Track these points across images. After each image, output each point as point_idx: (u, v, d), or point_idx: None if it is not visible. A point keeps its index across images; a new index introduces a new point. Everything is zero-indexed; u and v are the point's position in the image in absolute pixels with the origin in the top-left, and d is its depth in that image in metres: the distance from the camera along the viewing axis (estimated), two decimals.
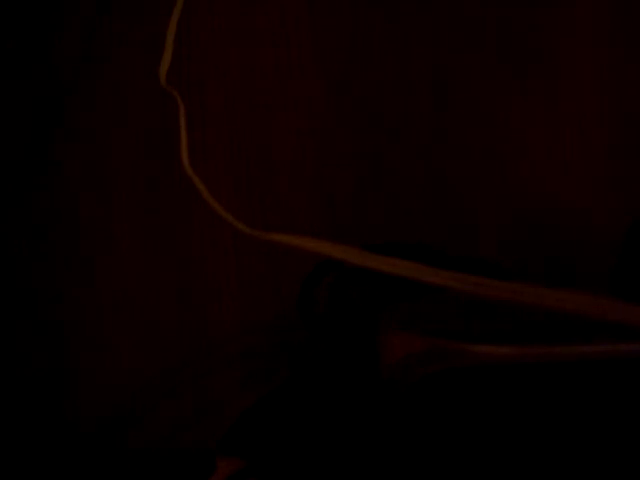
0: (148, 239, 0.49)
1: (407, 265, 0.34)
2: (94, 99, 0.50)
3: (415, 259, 0.35)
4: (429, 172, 0.49)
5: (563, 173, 0.49)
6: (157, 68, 0.46)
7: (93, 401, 0.48)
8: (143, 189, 0.49)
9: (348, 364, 0.40)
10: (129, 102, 0.50)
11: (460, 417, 0.35)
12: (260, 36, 0.50)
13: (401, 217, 0.49)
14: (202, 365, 0.48)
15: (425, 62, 0.50)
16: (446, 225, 0.49)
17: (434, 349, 0.35)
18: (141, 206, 0.49)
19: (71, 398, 0.48)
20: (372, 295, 0.41)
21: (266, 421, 0.40)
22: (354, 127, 0.50)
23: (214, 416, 0.48)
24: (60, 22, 0.50)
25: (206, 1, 0.50)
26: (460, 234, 0.49)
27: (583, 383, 0.34)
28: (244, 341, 0.49)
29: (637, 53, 0.50)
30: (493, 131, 0.50)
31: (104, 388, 0.48)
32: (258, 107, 0.50)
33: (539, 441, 0.34)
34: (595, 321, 0.32)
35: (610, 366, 0.33)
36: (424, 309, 0.38)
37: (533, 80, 0.50)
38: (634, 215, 0.49)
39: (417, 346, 0.35)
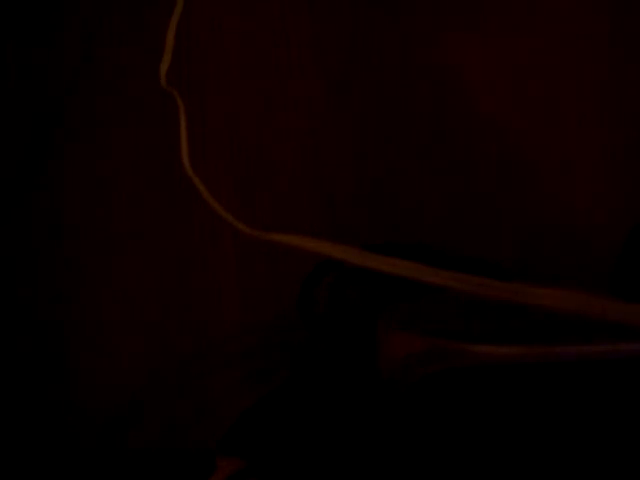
0: (148, 239, 0.49)
1: (407, 265, 0.34)
2: (94, 99, 0.50)
3: (415, 259, 0.35)
4: (429, 172, 0.49)
5: (563, 173, 0.49)
6: (157, 68, 0.46)
7: (93, 401, 0.48)
8: (143, 189, 0.49)
9: (348, 364, 0.40)
10: (129, 102, 0.50)
11: (460, 417, 0.35)
12: (260, 36, 0.50)
13: (401, 217, 0.49)
14: (202, 365, 0.48)
15: (425, 62, 0.50)
16: (446, 225, 0.49)
17: (434, 349, 0.35)
18: (141, 206, 0.49)
19: (71, 398, 0.48)
20: (372, 295, 0.41)
21: (266, 421, 0.40)
22: (354, 127, 0.50)
23: (214, 416, 0.48)
24: (60, 22, 0.50)
25: (206, 1, 0.50)
26: (460, 234, 0.49)
27: (583, 383, 0.34)
28: (244, 341, 0.49)
29: (637, 53, 0.50)
30: (493, 131, 0.50)
31: (104, 388, 0.48)
32: (258, 107, 0.50)
33: (539, 441, 0.34)
34: (595, 321, 0.32)
35: (610, 366, 0.33)
36: (424, 309, 0.38)
37: (533, 80, 0.50)
38: (634, 215, 0.49)
39: (417, 346, 0.35)
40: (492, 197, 0.49)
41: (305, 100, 0.50)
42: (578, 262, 0.49)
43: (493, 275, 0.38)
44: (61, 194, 0.49)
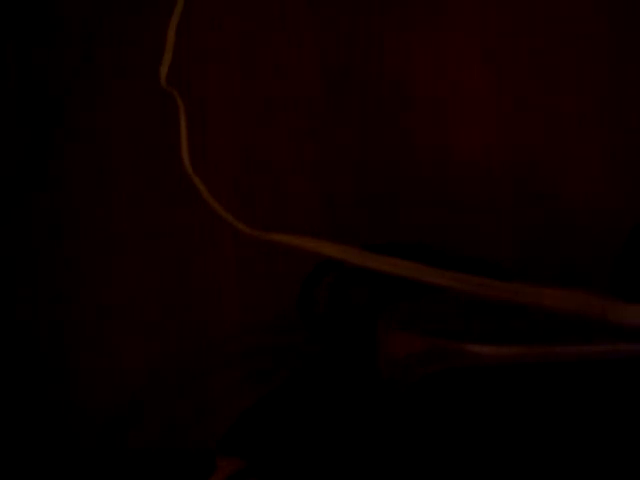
0: (148, 239, 0.49)
1: (408, 265, 0.34)
2: (94, 99, 0.50)
3: (415, 259, 0.35)
4: (429, 172, 0.49)
5: (563, 173, 0.49)
6: (157, 68, 0.46)
7: (93, 401, 0.48)
8: (143, 189, 0.49)
9: (348, 364, 0.40)
10: (129, 102, 0.50)
11: (460, 417, 0.35)
12: (260, 36, 0.50)
13: (401, 217, 0.49)
14: (202, 365, 0.48)
15: (425, 62, 0.50)
16: (446, 225, 0.49)
17: (434, 349, 0.35)
18: (141, 206, 0.49)
19: (71, 398, 0.48)
20: (372, 295, 0.41)
21: (266, 421, 0.40)
22: (354, 127, 0.50)
23: (214, 416, 0.48)
24: (60, 22, 0.50)
25: (206, 1, 0.50)
26: (460, 234, 0.49)
27: (583, 383, 0.34)
28: (244, 341, 0.49)
29: (637, 53, 0.50)
30: (493, 131, 0.50)
31: (104, 388, 0.48)
32: (258, 107, 0.50)
33: (539, 441, 0.34)
34: (595, 321, 0.32)
35: (610, 366, 0.33)
36: (424, 309, 0.38)
37: (533, 80, 0.50)
38: (634, 215, 0.49)
39: (417, 346, 0.35)
40: (492, 197, 0.49)
41: (305, 100, 0.50)
42: (578, 262, 0.49)
43: (493, 275, 0.38)
44: (61, 194, 0.49)
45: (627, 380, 0.33)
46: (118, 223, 0.49)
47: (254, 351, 0.48)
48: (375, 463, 0.36)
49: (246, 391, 0.48)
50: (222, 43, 0.50)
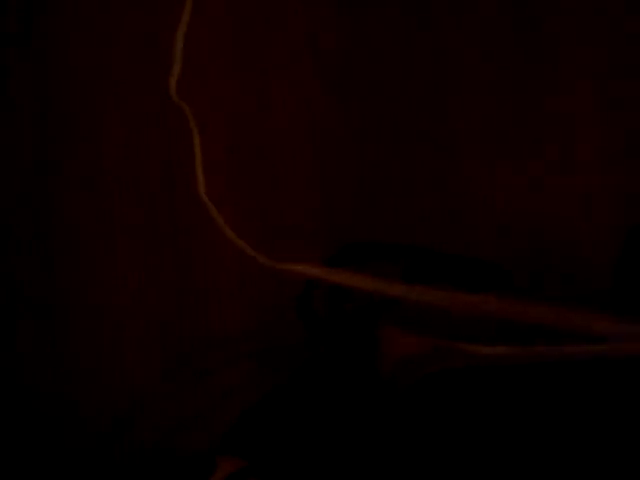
0: (148, 239, 0.49)
1: (372, 281, 0.34)
2: (94, 100, 0.50)
3: (415, 259, 0.35)
4: (429, 172, 0.49)
5: (563, 173, 0.49)
6: (158, 71, 0.46)
7: (93, 401, 0.48)
8: (143, 189, 0.49)
9: (348, 364, 0.40)
10: (130, 103, 0.50)
11: (459, 416, 0.35)
12: (260, 37, 0.50)
13: (401, 217, 0.49)
14: (202, 365, 0.48)
15: (426, 64, 0.50)
16: (446, 225, 0.49)
17: (434, 349, 0.35)
18: (141, 206, 0.49)
19: (71, 398, 0.48)
20: (372, 296, 0.41)
21: (266, 421, 0.40)
22: (354, 127, 0.50)
23: (214, 416, 0.48)
24: (62, 25, 0.50)
25: (211, 5, 0.50)
26: (460, 234, 0.49)
27: (582, 383, 0.34)
28: (244, 341, 0.49)
29: (637, 52, 0.50)
30: (493, 133, 0.50)
31: (104, 388, 0.48)
32: (258, 107, 0.50)
33: (537, 440, 0.34)
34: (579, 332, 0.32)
35: (609, 366, 0.34)
36: (424, 309, 0.38)
37: (533, 81, 0.50)
38: (634, 215, 0.49)
39: (417, 346, 0.35)
40: (492, 198, 0.49)
41: (305, 100, 0.50)
42: (578, 262, 0.49)
43: (494, 276, 0.38)
44: (61, 194, 0.49)
45: (625, 380, 0.34)
46: (118, 223, 0.49)
47: (254, 351, 0.48)
48: (375, 462, 0.36)
49: (246, 391, 0.48)
50: (222, 44, 0.50)
